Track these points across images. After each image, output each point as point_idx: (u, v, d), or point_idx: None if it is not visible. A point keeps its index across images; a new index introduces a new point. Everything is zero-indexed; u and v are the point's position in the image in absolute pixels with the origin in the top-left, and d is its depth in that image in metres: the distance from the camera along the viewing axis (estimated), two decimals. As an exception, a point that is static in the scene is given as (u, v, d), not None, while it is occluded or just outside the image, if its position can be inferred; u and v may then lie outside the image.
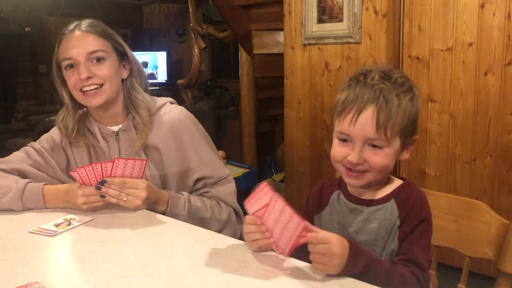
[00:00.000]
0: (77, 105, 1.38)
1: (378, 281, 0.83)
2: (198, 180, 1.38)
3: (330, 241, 0.83)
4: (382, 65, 0.99)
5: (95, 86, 1.31)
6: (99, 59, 1.32)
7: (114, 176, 1.17)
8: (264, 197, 0.88)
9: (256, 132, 4.36)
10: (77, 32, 1.32)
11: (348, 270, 0.83)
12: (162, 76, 7.11)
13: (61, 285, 0.84)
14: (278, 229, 0.88)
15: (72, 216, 1.19)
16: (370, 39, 2.78)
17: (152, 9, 7.67)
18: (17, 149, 1.41)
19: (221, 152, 1.57)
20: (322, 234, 0.84)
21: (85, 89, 1.31)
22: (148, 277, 0.86)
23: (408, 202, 0.95)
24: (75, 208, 1.22)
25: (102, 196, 1.18)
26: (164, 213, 1.24)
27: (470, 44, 2.42)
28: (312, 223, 1.04)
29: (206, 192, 1.38)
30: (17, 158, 1.37)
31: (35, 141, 1.44)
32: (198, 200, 1.34)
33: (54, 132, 1.43)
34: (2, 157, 1.38)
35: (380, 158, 0.92)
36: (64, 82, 1.36)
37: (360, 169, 0.93)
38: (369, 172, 0.93)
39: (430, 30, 2.56)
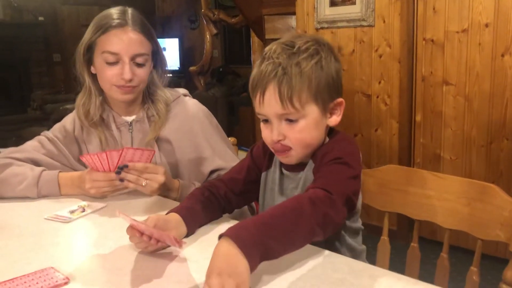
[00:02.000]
0: (97, 89, 1.38)
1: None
2: (211, 172, 1.39)
3: (209, 276, 0.69)
4: (292, 34, 0.98)
5: (132, 85, 1.32)
6: (140, 62, 1.31)
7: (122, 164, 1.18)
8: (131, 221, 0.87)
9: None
10: (129, 29, 1.29)
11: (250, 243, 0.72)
12: (173, 63, 7.10)
13: (75, 270, 0.85)
14: (157, 235, 0.87)
15: (86, 203, 1.21)
16: (384, 22, 2.74)
17: (164, -4, 7.66)
18: (33, 137, 1.43)
19: (232, 139, 1.57)
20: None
21: (121, 84, 1.30)
22: (161, 262, 0.87)
23: (318, 154, 0.96)
24: (88, 194, 1.23)
25: (121, 180, 1.19)
26: (175, 200, 1.26)
27: (486, 25, 2.37)
28: (257, 178, 1.09)
29: None
30: (31, 147, 1.38)
31: (49, 129, 1.45)
32: None
33: (66, 121, 1.44)
34: (19, 145, 1.40)
35: (298, 132, 0.92)
36: (88, 64, 1.35)
37: (284, 147, 0.94)
38: (292, 149, 0.94)
39: (445, 11, 2.51)
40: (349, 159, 0.92)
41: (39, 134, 1.43)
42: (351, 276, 0.79)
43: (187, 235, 0.97)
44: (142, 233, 0.87)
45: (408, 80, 2.75)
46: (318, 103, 0.92)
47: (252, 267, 0.71)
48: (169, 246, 0.92)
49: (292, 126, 0.92)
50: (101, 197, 1.24)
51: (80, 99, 1.39)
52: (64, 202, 1.23)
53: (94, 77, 1.37)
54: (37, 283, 0.80)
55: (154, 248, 0.90)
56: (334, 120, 0.97)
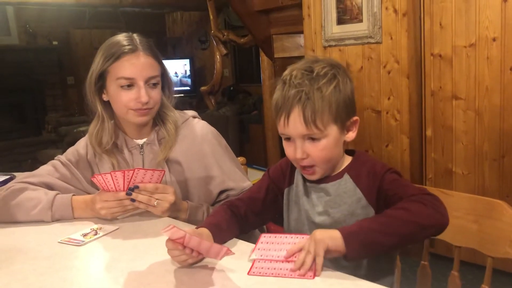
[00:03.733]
0: (109, 115, 1.41)
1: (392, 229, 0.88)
2: (221, 192, 1.41)
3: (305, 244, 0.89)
4: (309, 58, 1.05)
5: (148, 108, 1.35)
6: (153, 84, 1.35)
7: (132, 185, 1.20)
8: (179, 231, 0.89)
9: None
10: (141, 54, 1.33)
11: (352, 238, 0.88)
12: (183, 83, 7.20)
13: (88, 293, 0.87)
14: (203, 248, 0.91)
15: (98, 226, 1.23)
16: (391, 38, 2.76)
17: (174, 17, 7.80)
18: (48, 159, 1.46)
19: (241, 159, 1.59)
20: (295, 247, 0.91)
21: (138, 107, 1.34)
22: (171, 284, 0.89)
23: (360, 170, 1.04)
24: (99, 216, 1.26)
25: (132, 201, 1.21)
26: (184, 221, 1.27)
27: (494, 39, 2.38)
28: (281, 195, 1.14)
29: None
30: (45, 171, 1.42)
31: (64, 151, 1.49)
32: None
33: (79, 146, 1.48)
34: (34, 168, 1.44)
35: (320, 150, 1.00)
36: (99, 92, 1.38)
37: (307, 164, 1.02)
38: (316, 166, 1.02)
39: (452, 26, 2.53)
40: (391, 168, 1.02)
41: (53, 156, 1.47)
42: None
43: None
44: (184, 246, 0.91)
45: (417, 96, 2.76)
46: (337, 123, 1.00)
47: (350, 252, 0.87)
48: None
49: (315, 145, 1.00)
50: (112, 218, 1.26)
51: (93, 128, 1.42)
52: (77, 225, 1.25)
53: (105, 104, 1.40)
54: (50, 306, 0.82)
55: (194, 260, 0.94)
56: (351, 136, 1.05)
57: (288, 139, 1.02)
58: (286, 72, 1.03)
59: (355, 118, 1.04)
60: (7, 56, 6.22)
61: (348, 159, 1.08)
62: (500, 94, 2.41)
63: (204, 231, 1.01)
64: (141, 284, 0.89)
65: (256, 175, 3.96)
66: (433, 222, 0.90)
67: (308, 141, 0.99)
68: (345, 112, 1.00)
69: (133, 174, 1.19)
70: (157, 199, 1.22)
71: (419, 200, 0.91)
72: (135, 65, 1.32)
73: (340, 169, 1.06)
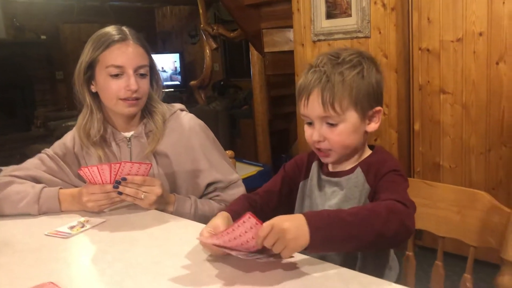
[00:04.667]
0: (98, 107, 1.41)
1: (357, 226, 0.84)
2: (209, 185, 1.41)
3: (274, 225, 0.82)
4: (340, 47, 1.05)
5: (137, 97, 1.35)
6: (142, 74, 1.36)
7: (119, 178, 1.21)
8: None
9: (270, 130, 4.38)
10: (130, 43, 1.34)
11: (315, 226, 0.82)
12: (173, 79, 7.18)
13: (75, 284, 0.87)
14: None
15: (85, 218, 1.23)
16: (380, 33, 2.77)
17: (164, 12, 7.76)
18: (37, 154, 1.45)
19: (229, 152, 1.60)
20: (265, 224, 0.84)
21: (127, 96, 1.34)
22: (158, 276, 0.89)
23: (371, 165, 1.02)
24: (86, 208, 1.26)
25: (119, 193, 1.22)
26: (171, 213, 1.28)
27: (480, 34, 2.40)
28: (296, 189, 1.14)
29: (216, 196, 1.42)
30: (32, 165, 1.41)
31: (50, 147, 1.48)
32: (206, 204, 1.37)
33: (66, 139, 1.47)
34: (23, 163, 1.43)
35: (337, 134, 0.99)
36: (87, 83, 1.38)
37: (323, 147, 1.01)
38: (332, 150, 1.02)
39: (440, 21, 2.55)
40: (403, 172, 1.01)
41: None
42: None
43: None
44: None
45: (405, 90, 2.78)
46: (357, 110, 0.99)
47: (312, 247, 0.82)
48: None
49: (332, 130, 1.00)
50: (99, 211, 1.26)
51: (82, 119, 1.42)
52: (64, 218, 1.25)
53: (94, 95, 1.40)
54: (36, 297, 0.82)
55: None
56: (373, 127, 1.03)
57: (309, 123, 1.03)
58: (315, 58, 1.03)
59: (378, 108, 1.02)
60: (-6, 50, 6.16)
61: (368, 152, 1.08)
62: (486, 89, 2.43)
63: (224, 214, 1.02)
64: (128, 276, 0.90)
65: (247, 170, 3.97)
66: (392, 234, 0.86)
67: (326, 125, 0.99)
68: (366, 100, 0.99)
69: (119, 167, 1.19)
70: (144, 191, 1.22)
71: (390, 208, 0.87)
72: (125, 53, 1.33)
73: (358, 162, 1.06)
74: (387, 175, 0.98)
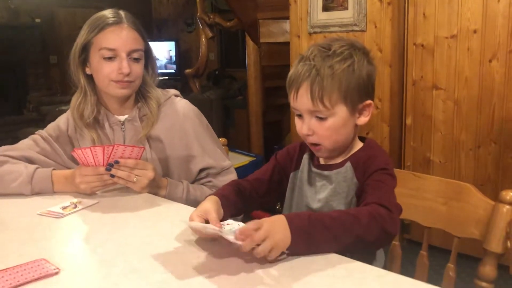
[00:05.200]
0: (92, 89, 1.42)
1: (337, 229, 0.85)
2: (201, 170, 1.43)
3: (263, 224, 0.83)
4: (334, 36, 1.05)
5: (129, 80, 1.36)
6: (136, 57, 1.36)
7: (112, 160, 1.22)
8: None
9: (264, 121, 4.39)
10: (125, 26, 1.35)
11: (295, 229, 0.83)
12: (167, 68, 7.16)
13: (66, 261, 0.89)
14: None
15: (78, 199, 1.24)
16: (375, 27, 2.79)
17: (161, -1, 7.69)
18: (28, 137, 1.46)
19: (222, 140, 1.61)
20: (253, 222, 0.84)
21: (119, 79, 1.35)
22: (148, 255, 0.91)
23: (361, 160, 1.02)
24: (78, 190, 1.27)
25: (112, 176, 1.23)
26: (164, 197, 1.30)
27: (474, 31, 2.42)
28: (287, 179, 1.15)
29: (208, 181, 1.43)
30: (25, 145, 1.42)
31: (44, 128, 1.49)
32: (198, 189, 1.39)
33: (60, 121, 1.48)
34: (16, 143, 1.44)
35: (326, 129, 0.99)
36: (82, 64, 1.39)
37: (313, 141, 1.02)
38: (321, 145, 1.02)
39: (435, 17, 2.56)
40: (392, 170, 1.01)
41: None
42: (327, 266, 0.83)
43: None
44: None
45: (398, 84, 2.80)
46: (347, 104, 0.98)
47: (293, 250, 0.84)
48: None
49: (321, 123, 0.99)
50: (91, 192, 1.28)
51: (75, 100, 1.43)
52: (57, 199, 1.26)
53: (89, 78, 1.41)
54: (29, 272, 0.83)
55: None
56: (363, 120, 1.03)
57: (299, 116, 1.02)
58: (307, 49, 1.03)
59: (368, 102, 1.01)
60: (-13, 33, 6.10)
61: (358, 146, 1.07)
62: (478, 86, 2.46)
63: (213, 198, 1.03)
64: (119, 254, 0.91)
65: (240, 159, 3.98)
66: (372, 240, 0.87)
67: (315, 119, 0.99)
68: (357, 94, 0.98)
69: (112, 149, 1.20)
70: (136, 175, 1.24)
71: (372, 215, 0.88)
72: (119, 36, 1.34)
73: (349, 155, 1.05)
74: (375, 174, 0.98)
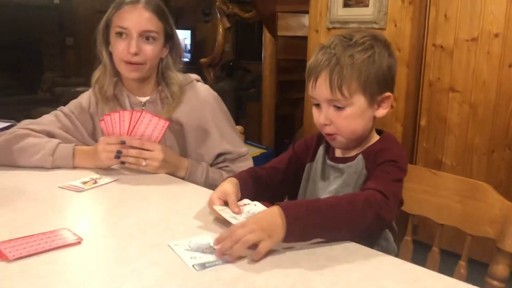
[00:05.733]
0: (113, 69, 1.45)
1: (333, 215, 0.85)
2: (218, 155, 1.44)
3: (248, 222, 0.83)
4: (354, 29, 1.04)
5: (138, 62, 1.38)
6: (148, 38, 1.38)
7: (136, 131, 1.24)
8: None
9: (276, 115, 4.40)
10: (140, 6, 1.37)
11: (292, 217, 0.82)
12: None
13: (87, 233, 0.91)
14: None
15: (98, 175, 1.27)
16: (395, 25, 2.78)
17: (180, -13, 7.69)
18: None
19: (239, 128, 1.63)
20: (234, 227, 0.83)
21: (127, 59, 1.37)
22: (167, 230, 0.93)
23: (372, 153, 1.01)
24: (98, 164, 1.30)
25: (122, 163, 1.26)
26: (183, 179, 1.31)
27: (496, 35, 2.41)
28: (303, 170, 1.14)
29: (226, 166, 1.45)
30: (47, 120, 1.44)
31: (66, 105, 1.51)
32: (216, 172, 1.40)
33: (83, 98, 1.50)
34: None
35: (343, 118, 0.99)
36: (106, 41, 1.42)
37: (330, 131, 1.01)
38: (338, 135, 1.02)
39: (457, 19, 2.55)
40: (402, 163, 0.99)
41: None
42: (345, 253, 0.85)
43: None
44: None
45: (415, 85, 2.80)
46: (366, 94, 0.98)
47: (289, 239, 0.82)
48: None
49: (339, 113, 0.99)
50: (108, 164, 1.29)
51: (95, 75, 1.46)
52: (77, 173, 1.29)
53: (111, 56, 1.43)
54: (53, 240, 0.86)
55: None
56: (381, 112, 1.02)
57: (317, 105, 1.02)
58: (328, 39, 1.02)
59: (388, 94, 1.00)
60: (5, 11, 6.14)
61: (375, 139, 1.06)
62: (496, 90, 2.45)
63: (233, 180, 1.05)
64: (139, 228, 0.93)
65: (250, 151, 3.99)
66: (366, 225, 0.87)
67: (333, 108, 0.99)
68: (376, 85, 0.98)
69: (139, 117, 1.23)
70: (145, 158, 1.26)
71: (368, 199, 0.88)
72: (132, 15, 1.36)
73: (364, 148, 1.05)
74: (382, 165, 0.97)
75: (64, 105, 1.51)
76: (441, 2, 2.59)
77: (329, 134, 1.03)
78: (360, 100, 0.98)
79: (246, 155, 1.46)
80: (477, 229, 1.07)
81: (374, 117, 1.03)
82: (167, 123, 1.26)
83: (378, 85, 0.99)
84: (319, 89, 0.98)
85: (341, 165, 1.06)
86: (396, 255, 1.12)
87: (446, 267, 1.14)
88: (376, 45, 0.98)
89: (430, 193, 1.19)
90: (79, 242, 0.86)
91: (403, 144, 2.85)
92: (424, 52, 2.73)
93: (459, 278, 1.09)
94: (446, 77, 2.64)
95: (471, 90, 2.55)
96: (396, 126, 2.86)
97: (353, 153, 1.06)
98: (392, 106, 2.83)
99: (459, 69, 2.58)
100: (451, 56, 2.60)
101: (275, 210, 0.83)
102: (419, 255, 1.31)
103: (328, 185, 1.08)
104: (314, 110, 1.04)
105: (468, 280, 1.00)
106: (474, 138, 2.58)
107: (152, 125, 1.24)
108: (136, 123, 1.23)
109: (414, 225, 1.23)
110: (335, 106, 0.99)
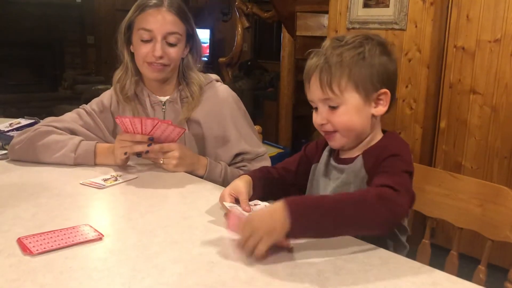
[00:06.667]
0: (135, 69, 1.47)
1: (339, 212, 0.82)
2: (237, 155, 1.46)
3: (248, 220, 0.84)
4: (352, 33, 1.04)
5: (162, 63, 1.40)
6: (172, 43, 1.40)
7: (153, 135, 1.26)
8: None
9: (293, 115, 4.39)
10: (163, 10, 1.39)
11: (296, 213, 0.81)
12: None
13: (109, 229, 0.93)
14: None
15: (118, 173, 1.29)
16: (416, 26, 2.75)
17: (199, -14, 7.74)
18: (63, 114, 1.52)
19: (257, 127, 1.64)
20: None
21: (151, 60, 1.39)
22: (187, 228, 0.94)
23: (373, 152, 1.00)
24: (115, 161, 1.32)
25: (138, 156, 1.30)
26: (201, 178, 1.33)
27: (519, 37, 2.37)
28: (308, 171, 1.15)
29: (244, 166, 1.46)
30: (70, 118, 1.47)
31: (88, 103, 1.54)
32: (235, 172, 1.42)
33: (104, 97, 1.53)
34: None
35: (338, 116, 0.99)
36: (128, 42, 1.45)
37: (328, 130, 1.02)
38: (337, 132, 1.02)
39: (479, 20, 2.52)
40: (406, 157, 0.97)
41: (69, 112, 1.52)
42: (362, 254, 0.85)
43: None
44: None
45: (435, 86, 2.77)
46: (359, 91, 0.98)
47: (294, 234, 0.82)
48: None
49: (334, 112, 1.00)
50: (121, 161, 1.31)
51: (117, 75, 1.49)
52: (98, 170, 1.31)
53: (132, 56, 1.45)
54: (75, 236, 0.88)
55: None
56: (380, 110, 1.02)
57: (316, 109, 1.03)
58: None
59: (384, 90, 0.99)
60: (28, 9, 6.26)
61: (377, 139, 1.06)
62: (518, 93, 2.41)
63: (247, 177, 1.06)
64: (159, 226, 0.95)
65: (267, 150, 4.00)
66: (380, 221, 0.84)
67: (328, 108, 1.00)
68: (369, 82, 0.98)
69: (155, 125, 1.24)
70: (163, 158, 1.29)
71: (379, 195, 0.85)
72: (156, 19, 1.38)
73: (364, 149, 1.04)
74: (386, 160, 0.96)
75: (85, 103, 1.54)
76: (464, 3, 2.56)
77: (328, 134, 1.04)
78: (353, 97, 0.98)
79: (264, 155, 1.47)
80: (497, 233, 1.06)
81: (373, 116, 1.02)
82: (183, 130, 1.30)
83: (372, 81, 0.99)
84: (312, 90, 1.01)
85: (342, 166, 1.07)
86: (407, 253, 1.11)
87: (464, 272, 1.14)
88: (366, 43, 0.99)
89: (449, 196, 1.18)
90: (100, 238, 0.88)
91: (422, 146, 2.82)
92: (445, 54, 2.70)
93: (478, 283, 1.08)
94: (467, 79, 2.61)
95: (493, 92, 2.51)
96: (415, 127, 2.83)
97: (355, 153, 1.06)
98: (411, 108, 2.82)
99: (481, 71, 2.54)
100: (473, 57, 2.57)
101: (279, 205, 0.82)
102: (436, 258, 1.31)
103: (328, 183, 1.09)
104: (313, 114, 1.05)
105: (486, 285, 0.99)
106: (495, 141, 2.54)
107: (168, 131, 1.27)
108: (152, 129, 1.25)
109: (432, 228, 1.22)
110: (329, 106, 1.00)
